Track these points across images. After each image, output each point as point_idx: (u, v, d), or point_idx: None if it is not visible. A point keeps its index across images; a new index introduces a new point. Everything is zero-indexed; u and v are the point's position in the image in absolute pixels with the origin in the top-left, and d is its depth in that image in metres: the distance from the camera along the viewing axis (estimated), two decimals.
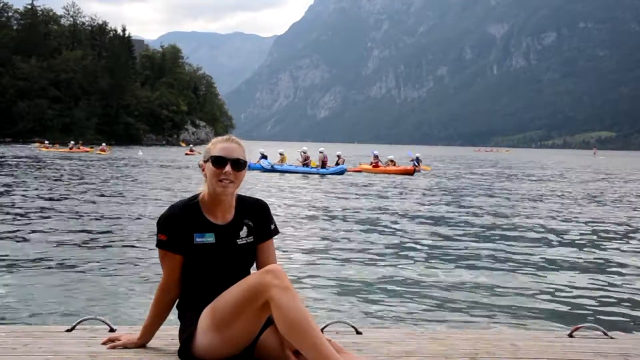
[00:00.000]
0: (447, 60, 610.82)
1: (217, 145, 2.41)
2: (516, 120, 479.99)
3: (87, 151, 51.70)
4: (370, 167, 32.02)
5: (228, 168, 2.36)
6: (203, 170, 2.44)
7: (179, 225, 2.38)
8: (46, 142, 59.97)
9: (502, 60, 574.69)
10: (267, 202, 2.61)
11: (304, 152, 30.85)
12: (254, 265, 2.54)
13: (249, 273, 2.47)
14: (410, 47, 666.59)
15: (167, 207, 2.47)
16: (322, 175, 27.89)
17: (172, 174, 26.80)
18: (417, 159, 34.17)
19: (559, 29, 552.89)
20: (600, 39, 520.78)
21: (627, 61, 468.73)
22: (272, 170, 29.05)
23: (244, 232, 2.47)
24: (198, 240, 2.38)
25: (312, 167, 29.48)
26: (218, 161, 2.36)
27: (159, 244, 2.39)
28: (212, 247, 2.39)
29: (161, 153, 56.95)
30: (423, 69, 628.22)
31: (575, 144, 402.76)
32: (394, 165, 30.79)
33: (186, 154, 51.05)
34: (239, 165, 2.39)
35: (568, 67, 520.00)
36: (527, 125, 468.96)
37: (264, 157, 30.83)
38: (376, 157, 32.37)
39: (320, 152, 30.11)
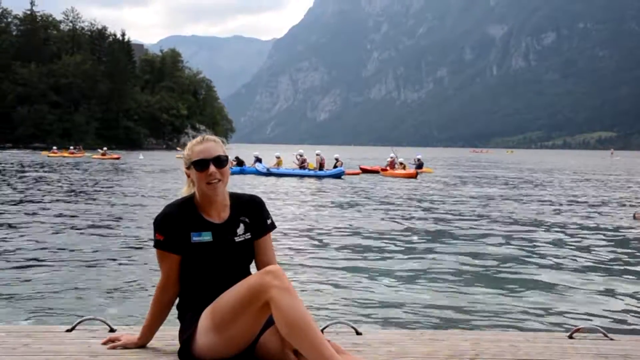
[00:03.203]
0: (447, 62, 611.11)
1: (195, 149, 2.41)
2: (516, 121, 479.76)
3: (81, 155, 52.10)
4: (380, 169, 32.77)
5: (212, 168, 2.36)
6: (189, 177, 2.45)
7: (175, 224, 2.38)
8: (54, 148, 59.72)
9: (501, 61, 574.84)
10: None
11: (300, 155, 30.74)
12: (253, 262, 2.54)
13: (248, 270, 2.48)
14: (409, 49, 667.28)
15: (163, 207, 2.48)
16: (320, 177, 27.80)
17: (170, 176, 26.79)
18: (419, 162, 34.18)
19: (558, 29, 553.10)
20: (600, 39, 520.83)
21: (627, 61, 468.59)
22: (268, 173, 28.87)
23: (240, 229, 2.46)
24: (195, 239, 2.38)
25: (309, 170, 29.35)
26: (200, 164, 2.36)
27: (156, 244, 2.40)
28: (209, 245, 2.39)
29: (162, 157, 56.98)
30: (422, 70, 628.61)
31: (575, 145, 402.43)
32: (404, 168, 30.80)
33: (178, 157, 51.61)
34: (221, 162, 2.39)
35: (568, 67, 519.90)
36: (527, 126, 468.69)
37: (258, 160, 30.68)
38: (392, 158, 32.36)
39: (317, 155, 29.99)
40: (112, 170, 31.69)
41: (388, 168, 31.86)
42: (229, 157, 2.47)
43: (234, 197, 2.52)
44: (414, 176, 28.41)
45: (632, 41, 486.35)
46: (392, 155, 33.27)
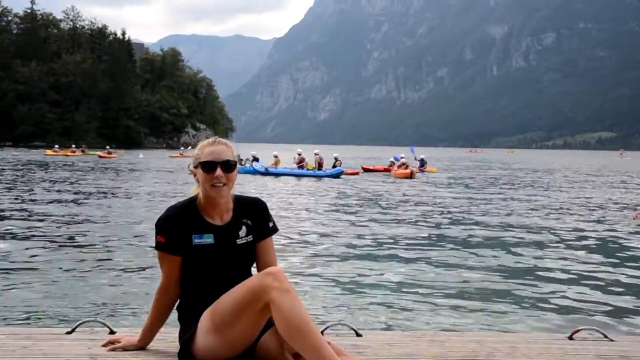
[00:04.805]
0: (447, 62, 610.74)
1: (205, 150, 2.39)
2: (516, 121, 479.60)
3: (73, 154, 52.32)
4: (383, 169, 33.43)
5: (219, 172, 2.35)
6: (195, 175, 2.43)
7: (177, 226, 2.37)
8: (56, 146, 59.61)
9: (501, 61, 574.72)
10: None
11: (299, 154, 30.67)
12: (254, 265, 2.54)
13: (249, 273, 2.47)
14: (409, 49, 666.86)
15: (165, 209, 2.47)
16: (319, 177, 27.72)
17: (171, 176, 26.78)
18: (423, 161, 34.16)
19: (558, 30, 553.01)
20: (600, 39, 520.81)
21: (627, 61, 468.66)
22: (266, 173, 28.71)
23: (242, 231, 2.45)
24: (197, 241, 2.37)
25: (308, 170, 29.23)
26: (208, 166, 2.35)
27: (158, 246, 2.38)
28: (211, 248, 2.38)
29: (162, 156, 56.99)
30: (423, 70, 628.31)
31: (575, 145, 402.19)
32: (406, 168, 30.82)
33: (170, 157, 52.28)
34: (229, 166, 2.38)
35: (568, 67, 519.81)
36: (528, 126, 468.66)
37: (255, 159, 30.57)
38: (402, 157, 32.37)
39: (316, 154, 29.88)
40: (113, 169, 31.65)
41: (396, 168, 31.90)
42: (237, 163, 2.47)
43: (237, 199, 2.51)
44: (408, 176, 28.36)
45: (632, 41, 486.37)
46: (401, 155, 33.33)
